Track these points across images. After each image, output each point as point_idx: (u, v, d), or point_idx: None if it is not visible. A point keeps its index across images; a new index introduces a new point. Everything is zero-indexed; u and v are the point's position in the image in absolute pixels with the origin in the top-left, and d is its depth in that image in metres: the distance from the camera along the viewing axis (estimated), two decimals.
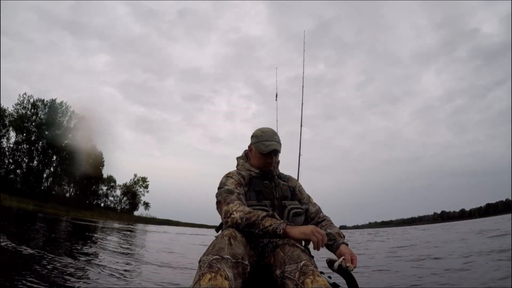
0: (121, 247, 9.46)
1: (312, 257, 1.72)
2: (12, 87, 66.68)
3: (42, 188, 42.22)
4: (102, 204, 56.49)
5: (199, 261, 1.24)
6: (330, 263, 1.49)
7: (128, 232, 19.20)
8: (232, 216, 1.45)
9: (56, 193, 44.08)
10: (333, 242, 1.63)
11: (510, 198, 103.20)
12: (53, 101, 43.69)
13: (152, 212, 64.77)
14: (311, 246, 1.82)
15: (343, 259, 1.46)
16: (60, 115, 43.87)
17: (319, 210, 1.82)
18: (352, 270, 1.43)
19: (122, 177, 65.60)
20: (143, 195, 61.35)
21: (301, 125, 2.90)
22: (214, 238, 1.41)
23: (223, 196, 1.56)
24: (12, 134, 40.17)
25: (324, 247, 1.64)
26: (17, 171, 40.34)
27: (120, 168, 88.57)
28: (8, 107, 40.18)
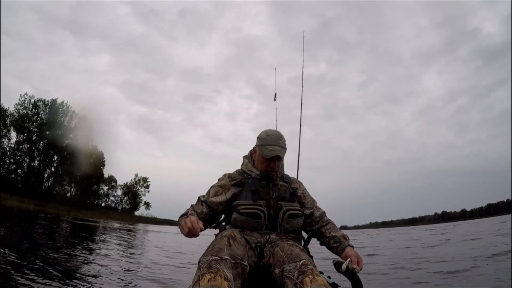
0: (121, 247, 9.46)
1: (312, 256, 1.72)
2: (13, 87, 66.69)
3: (43, 188, 42.28)
4: (103, 204, 56.56)
5: (198, 262, 1.25)
6: (337, 264, 1.49)
7: (129, 232, 19.21)
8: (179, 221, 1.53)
9: (57, 193, 44.14)
10: (339, 245, 1.64)
11: (511, 198, 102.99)
12: (54, 101, 43.77)
13: (153, 212, 64.93)
14: (311, 246, 1.83)
15: (350, 261, 1.46)
16: (61, 115, 43.93)
17: (323, 214, 1.82)
18: (359, 272, 1.43)
19: (123, 177, 65.62)
20: (144, 195, 61.51)
21: (300, 125, 2.89)
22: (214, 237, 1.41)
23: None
24: (13, 134, 40.30)
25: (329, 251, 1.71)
26: (18, 171, 40.40)
27: (121, 168, 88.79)
28: (9, 107, 40.33)
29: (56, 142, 42.04)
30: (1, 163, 38.35)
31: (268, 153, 1.68)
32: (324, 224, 1.77)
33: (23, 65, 76.43)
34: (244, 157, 1.91)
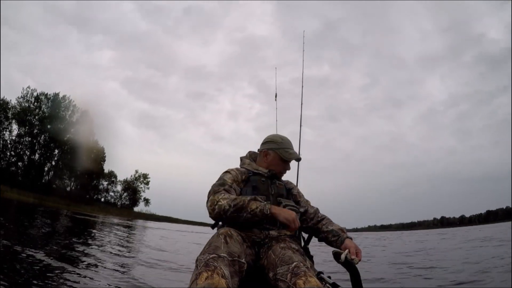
0: (119, 243, 9.47)
1: (312, 256, 1.73)
2: (16, 80, 66.93)
3: (43, 181, 42.34)
4: (102, 199, 56.67)
5: (196, 261, 1.24)
6: (336, 255, 1.52)
7: (127, 229, 19.23)
8: (219, 203, 1.51)
9: (57, 186, 44.17)
10: (337, 238, 1.68)
11: (511, 206, 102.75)
12: (56, 94, 43.84)
13: (152, 209, 64.98)
14: (311, 245, 1.83)
15: (348, 251, 1.50)
16: (63, 109, 44.01)
17: (317, 211, 1.87)
18: (357, 263, 1.46)
19: (123, 173, 65.81)
20: (144, 191, 61.51)
21: (300, 125, 2.89)
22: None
23: (213, 188, 1.62)
24: (15, 126, 40.35)
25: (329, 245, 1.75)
26: (19, 163, 40.48)
27: (122, 163, 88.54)
28: (11, 100, 40.41)
29: (57, 136, 42.09)
30: (2, 156, 38.44)
31: (289, 156, 1.84)
32: (319, 219, 1.81)
33: (26, 59, 76.59)
34: (243, 157, 1.97)
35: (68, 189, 47.41)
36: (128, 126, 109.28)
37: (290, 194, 1.86)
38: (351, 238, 1.66)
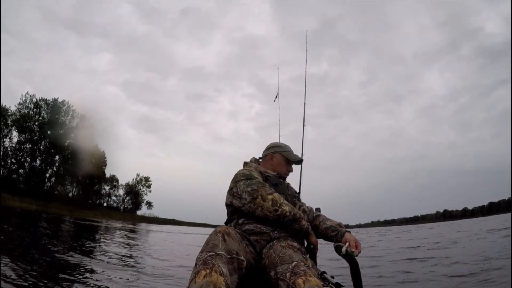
0: (123, 248, 9.43)
1: (315, 254, 1.79)
2: (15, 87, 66.87)
3: (45, 188, 42.36)
4: (105, 204, 56.67)
5: (196, 259, 1.25)
6: (337, 248, 1.62)
7: (131, 233, 19.22)
8: (283, 207, 1.59)
9: (59, 193, 44.23)
10: (337, 233, 1.77)
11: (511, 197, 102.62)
12: (55, 100, 43.82)
13: (155, 212, 65.09)
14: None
15: (349, 244, 1.59)
16: (63, 114, 44.01)
17: (312, 209, 2.01)
18: (357, 255, 1.56)
19: (125, 177, 65.73)
20: (146, 194, 61.63)
21: (303, 125, 2.85)
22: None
23: (258, 185, 1.63)
24: (15, 133, 40.35)
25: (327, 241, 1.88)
26: (20, 171, 40.46)
27: (123, 167, 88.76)
28: (10, 107, 40.38)
29: (57, 141, 42.12)
30: (3, 163, 38.45)
31: (295, 157, 2.02)
32: (315, 216, 1.93)
33: (25, 65, 76.97)
34: (248, 162, 2.03)
35: (70, 195, 47.51)
36: (128, 129, 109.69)
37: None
38: (350, 232, 1.76)
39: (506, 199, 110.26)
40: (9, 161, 39.43)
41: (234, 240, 1.37)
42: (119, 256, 6.95)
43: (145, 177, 61.37)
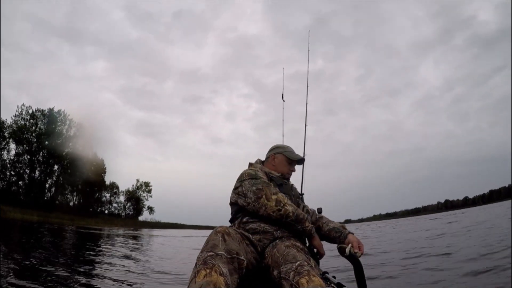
0: (127, 254, 9.41)
1: (317, 255, 1.78)
2: (10, 98, 66.61)
3: (46, 198, 42.28)
4: (106, 211, 56.60)
5: (196, 259, 1.26)
6: (341, 249, 1.64)
7: (134, 240, 19.17)
8: (286, 207, 1.61)
9: (59, 202, 44.16)
10: (340, 234, 1.78)
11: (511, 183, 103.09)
12: (51, 110, 43.72)
13: (156, 216, 65.08)
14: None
15: (352, 246, 1.62)
16: (59, 123, 43.92)
17: (314, 211, 2.03)
18: (360, 256, 1.58)
19: (125, 183, 65.73)
20: (147, 199, 61.59)
21: (305, 125, 2.83)
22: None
23: (262, 185, 1.65)
24: (12, 145, 40.26)
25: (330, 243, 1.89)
26: (19, 182, 40.38)
27: (123, 174, 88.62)
28: (6, 119, 40.28)
29: (55, 151, 42.08)
30: (2, 176, 38.31)
31: (296, 156, 2.05)
32: (318, 217, 1.94)
33: (20, 76, 76.41)
34: (253, 163, 2.06)
35: (71, 203, 47.40)
36: (126, 135, 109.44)
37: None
38: (352, 233, 1.78)
39: (506, 186, 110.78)
40: (8, 173, 39.33)
41: (234, 240, 1.36)
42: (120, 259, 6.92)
43: (145, 182, 61.37)
